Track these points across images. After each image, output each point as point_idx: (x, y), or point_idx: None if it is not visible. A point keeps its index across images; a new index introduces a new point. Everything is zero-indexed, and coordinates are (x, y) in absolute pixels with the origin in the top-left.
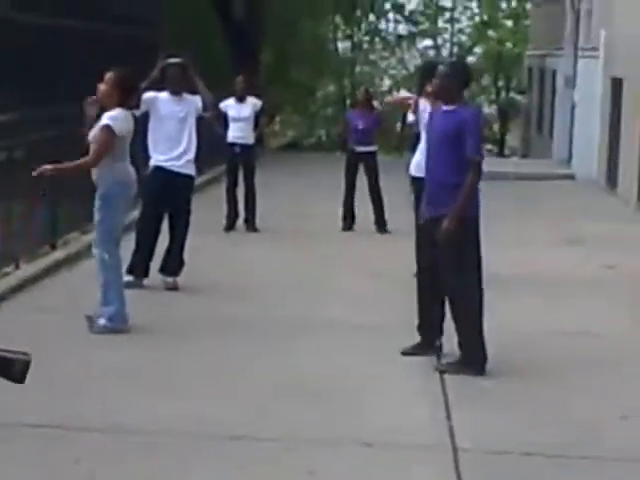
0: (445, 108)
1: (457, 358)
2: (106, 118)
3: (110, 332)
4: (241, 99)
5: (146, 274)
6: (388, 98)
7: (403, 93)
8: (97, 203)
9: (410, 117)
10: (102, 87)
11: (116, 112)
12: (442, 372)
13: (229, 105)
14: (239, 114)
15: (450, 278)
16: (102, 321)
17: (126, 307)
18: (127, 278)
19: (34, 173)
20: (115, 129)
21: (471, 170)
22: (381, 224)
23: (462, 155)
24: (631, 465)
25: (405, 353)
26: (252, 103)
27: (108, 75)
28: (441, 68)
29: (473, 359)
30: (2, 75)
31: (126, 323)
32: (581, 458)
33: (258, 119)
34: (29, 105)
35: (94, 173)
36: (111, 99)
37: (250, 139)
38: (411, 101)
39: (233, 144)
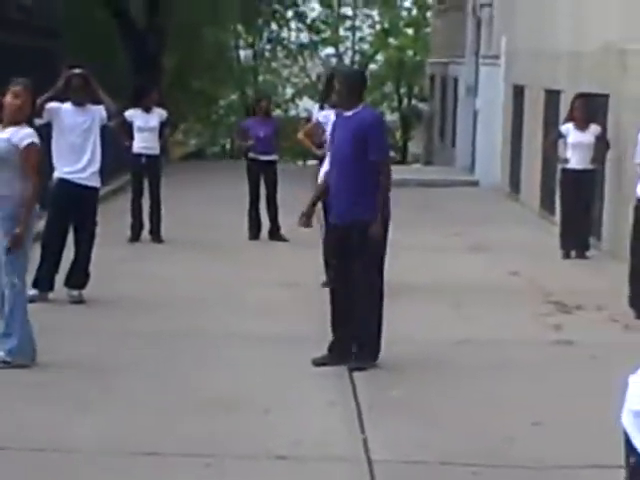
0: (346, 114)
1: (358, 354)
2: (29, 137)
3: (9, 367)
4: (147, 109)
5: (51, 288)
6: (299, 135)
7: (310, 124)
8: (6, 224)
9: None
10: (14, 101)
11: (29, 129)
12: (356, 369)
13: (135, 115)
14: (146, 124)
15: (363, 274)
16: (0, 354)
17: (32, 340)
18: (32, 292)
19: (12, 248)
20: (38, 145)
21: (381, 172)
22: (274, 233)
23: (366, 159)
24: (546, 472)
25: (316, 363)
26: (158, 113)
27: (20, 88)
28: (338, 77)
29: (373, 351)
30: None
31: (28, 358)
32: (497, 467)
33: (163, 129)
34: None
35: (0, 190)
36: (24, 113)
37: (156, 149)
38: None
39: (139, 154)
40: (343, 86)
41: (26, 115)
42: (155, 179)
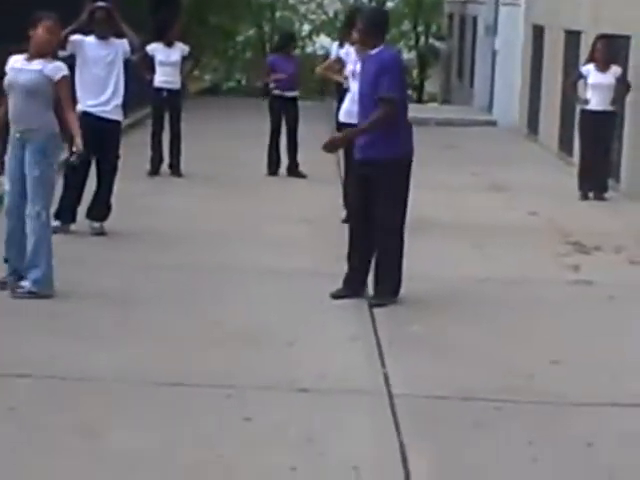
0: (370, 53)
1: (379, 290)
2: (61, 69)
3: (35, 298)
4: (169, 44)
5: (73, 219)
6: (318, 69)
7: (329, 60)
8: (36, 156)
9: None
10: (47, 35)
11: (59, 62)
12: (376, 306)
13: (157, 49)
14: (168, 58)
15: (384, 211)
16: (27, 285)
17: (53, 270)
18: (54, 223)
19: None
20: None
21: (381, 106)
22: (293, 170)
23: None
24: (566, 409)
25: (334, 296)
26: (180, 48)
27: (52, 23)
28: (362, 16)
29: (393, 288)
30: None
31: (52, 288)
32: (518, 403)
33: (184, 64)
34: None
35: (31, 121)
36: (52, 47)
37: (177, 84)
38: (344, 73)
39: (160, 89)
40: (367, 25)
41: (53, 49)
42: (175, 113)
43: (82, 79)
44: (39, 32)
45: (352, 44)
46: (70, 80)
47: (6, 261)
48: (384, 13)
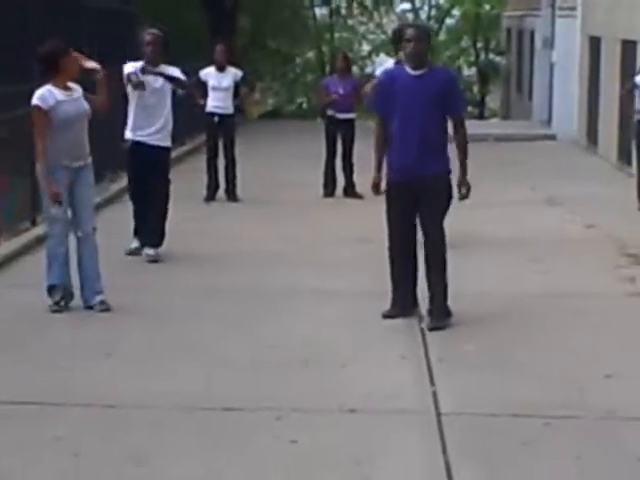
0: (419, 72)
1: (436, 311)
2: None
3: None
4: (221, 68)
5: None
6: (367, 89)
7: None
8: (92, 180)
9: None
10: (67, 63)
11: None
12: (435, 329)
13: (209, 74)
14: (219, 84)
15: (435, 231)
16: (104, 297)
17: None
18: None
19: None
20: None
21: (460, 128)
22: (349, 192)
23: (444, 115)
24: (616, 424)
25: (384, 316)
26: (232, 73)
27: (70, 51)
28: (411, 33)
29: (448, 308)
30: None
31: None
32: (569, 418)
33: (238, 89)
34: (11, 80)
35: (86, 148)
36: (77, 73)
37: (229, 109)
38: None
39: (212, 114)
40: (422, 44)
41: (76, 74)
42: (229, 139)
43: (134, 107)
44: (65, 62)
45: (397, 61)
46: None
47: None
48: (430, 31)
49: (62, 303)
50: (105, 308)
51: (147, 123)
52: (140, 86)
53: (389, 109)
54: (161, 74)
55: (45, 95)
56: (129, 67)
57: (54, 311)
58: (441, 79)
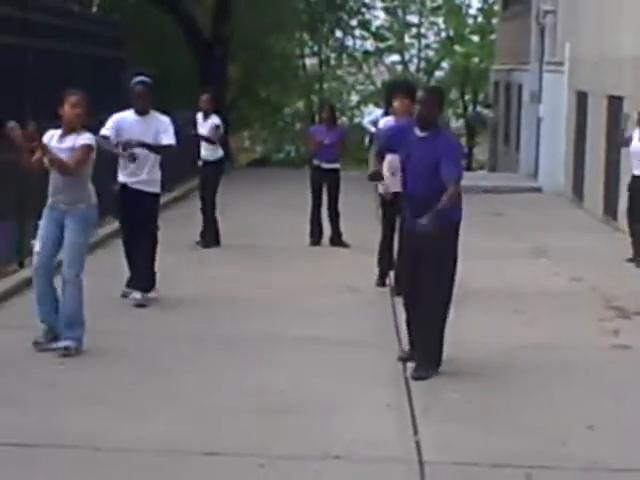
0: (424, 134)
1: (420, 362)
2: (86, 139)
3: (74, 355)
4: (206, 115)
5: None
6: (380, 190)
7: (385, 171)
8: (79, 226)
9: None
10: (72, 110)
11: (87, 133)
12: (418, 379)
13: (198, 121)
14: (202, 130)
15: (437, 283)
16: (70, 343)
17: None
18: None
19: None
20: (94, 149)
21: (449, 187)
22: (336, 240)
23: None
24: (597, 475)
25: (404, 359)
26: (213, 119)
27: (77, 98)
28: (420, 95)
29: (437, 360)
30: None
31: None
32: (551, 469)
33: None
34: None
35: (72, 194)
36: (80, 121)
37: (211, 156)
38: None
39: (200, 159)
40: (428, 107)
41: (82, 122)
42: (209, 184)
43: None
44: (66, 109)
45: (385, 114)
46: (90, 150)
47: (42, 321)
48: (442, 93)
49: (41, 340)
50: (64, 354)
51: (134, 168)
52: (131, 158)
53: (392, 151)
54: (141, 145)
55: (47, 133)
56: (110, 123)
57: (35, 346)
58: (438, 145)
